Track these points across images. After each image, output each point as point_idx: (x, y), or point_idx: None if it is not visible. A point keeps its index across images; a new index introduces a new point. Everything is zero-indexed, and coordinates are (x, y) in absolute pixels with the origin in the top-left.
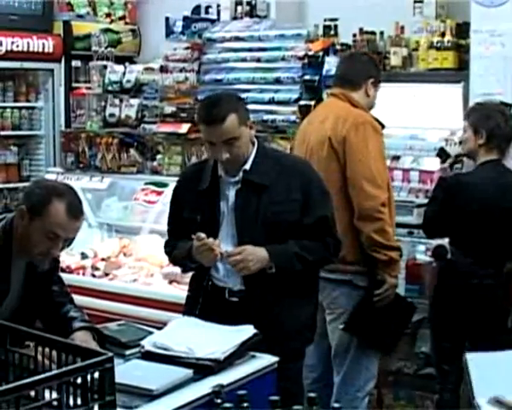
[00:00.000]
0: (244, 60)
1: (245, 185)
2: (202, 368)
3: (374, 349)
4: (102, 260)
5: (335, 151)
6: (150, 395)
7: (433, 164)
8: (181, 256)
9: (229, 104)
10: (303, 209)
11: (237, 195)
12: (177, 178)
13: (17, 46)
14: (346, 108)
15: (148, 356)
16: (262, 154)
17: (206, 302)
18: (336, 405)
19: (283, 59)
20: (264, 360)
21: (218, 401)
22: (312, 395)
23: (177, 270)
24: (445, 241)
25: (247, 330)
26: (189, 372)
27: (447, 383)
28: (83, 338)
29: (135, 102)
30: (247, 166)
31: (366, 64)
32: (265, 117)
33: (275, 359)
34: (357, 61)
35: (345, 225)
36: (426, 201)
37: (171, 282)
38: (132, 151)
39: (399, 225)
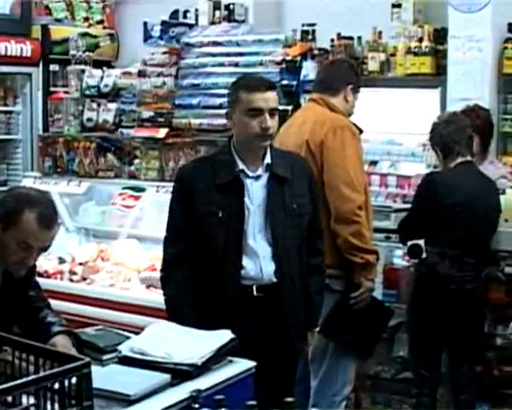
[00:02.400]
0: (222, 65)
1: (271, 179)
2: (180, 373)
3: (350, 354)
4: (80, 264)
5: (313, 155)
6: (128, 401)
7: (411, 169)
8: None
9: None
10: (310, 205)
11: (267, 188)
12: (180, 175)
13: None
14: (324, 112)
15: (126, 361)
16: (273, 149)
17: (235, 305)
18: (314, 409)
19: (261, 64)
20: (242, 365)
21: (196, 405)
22: (290, 399)
23: (155, 275)
24: (421, 241)
25: (224, 335)
26: (166, 377)
27: (425, 387)
28: (62, 343)
29: (112, 106)
30: (269, 160)
31: (346, 70)
32: None
33: (252, 363)
34: (337, 67)
35: (322, 229)
36: (403, 206)
37: (148, 287)
38: (110, 156)
39: (377, 230)
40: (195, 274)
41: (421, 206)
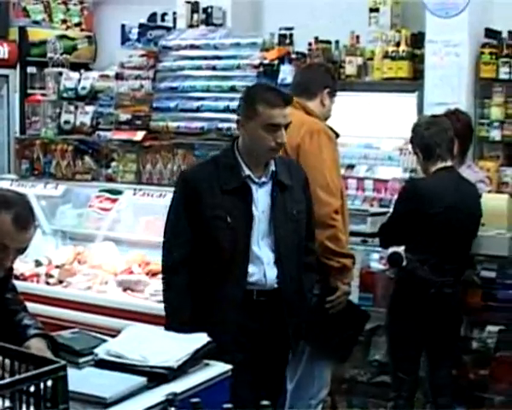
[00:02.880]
0: (199, 68)
1: (275, 186)
2: (156, 376)
3: (327, 358)
4: (57, 267)
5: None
6: (104, 404)
7: (388, 173)
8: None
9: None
10: (306, 211)
11: (272, 195)
12: (184, 178)
13: None
14: (300, 115)
15: (102, 364)
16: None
17: (238, 309)
18: None
19: (239, 67)
20: (218, 368)
21: (172, 409)
22: (266, 402)
23: (132, 277)
24: (401, 248)
25: (200, 339)
26: (142, 380)
27: (403, 390)
28: (37, 346)
29: (90, 109)
30: (273, 167)
31: (322, 74)
32: (220, 125)
33: (228, 367)
34: (313, 71)
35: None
36: (380, 209)
37: (125, 290)
38: (87, 158)
39: (353, 234)
40: (197, 277)
41: (403, 213)
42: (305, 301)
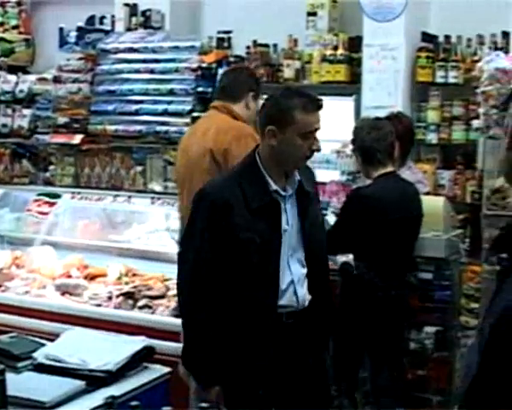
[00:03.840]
0: (138, 71)
1: (301, 196)
2: (95, 380)
3: None
4: None
5: (217, 163)
6: (43, 408)
7: (326, 176)
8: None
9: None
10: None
11: (300, 206)
12: (208, 194)
13: None
14: (226, 120)
15: (41, 368)
16: None
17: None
18: None
19: (177, 71)
20: (157, 371)
21: None
22: (204, 405)
23: (70, 281)
24: (350, 257)
25: (138, 342)
26: (81, 384)
27: (343, 391)
28: None
29: (28, 112)
30: (298, 176)
31: (247, 78)
32: (158, 128)
33: (167, 369)
34: (238, 74)
35: None
36: None
37: (63, 293)
38: (25, 162)
39: None
40: (222, 299)
41: (348, 220)
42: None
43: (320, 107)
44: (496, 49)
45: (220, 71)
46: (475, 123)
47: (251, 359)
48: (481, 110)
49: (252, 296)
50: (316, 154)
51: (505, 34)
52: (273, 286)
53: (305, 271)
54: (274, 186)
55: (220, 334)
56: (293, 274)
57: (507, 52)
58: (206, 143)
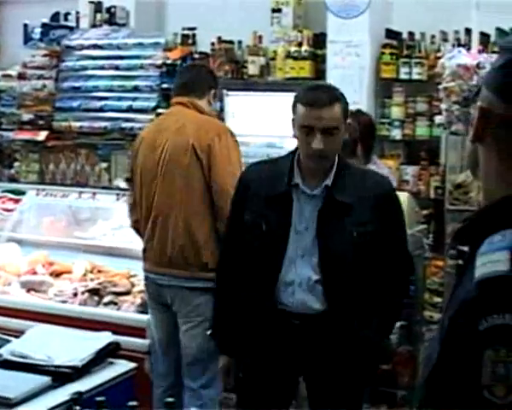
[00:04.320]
0: (102, 68)
1: (328, 203)
2: (61, 375)
3: None
4: None
5: (199, 159)
6: (9, 404)
7: None
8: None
9: (337, 92)
10: (381, 232)
11: (320, 214)
12: (241, 175)
13: None
14: (199, 116)
15: (6, 365)
16: (344, 168)
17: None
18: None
19: (141, 67)
20: (123, 367)
21: (77, 407)
22: (170, 399)
23: (35, 278)
24: None
25: (104, 337)
26: (47, 380)
27: None
28: None
29: None
30: (329, 182)
31: (208, 75)
32: (123, 125)
33: (132, 365)
34: (199, 71)
35: (207, 233)
36: None
37: (28, 290)
38: None
39: None
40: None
41: None
42: (353, 341)
43: (324, 103)
44: (459, 45)
45: None
46: (438, 119)
47: (254, 341)
48: (443, 106)
49: (252, 282)
50: (280, 150)
51: (468, 31)
52: (271, 279)
53: (316, 277)
54: (296, 180)
55: (236, 308)
56: (298, 276)
57: (469, 49)
58: (185, 139)
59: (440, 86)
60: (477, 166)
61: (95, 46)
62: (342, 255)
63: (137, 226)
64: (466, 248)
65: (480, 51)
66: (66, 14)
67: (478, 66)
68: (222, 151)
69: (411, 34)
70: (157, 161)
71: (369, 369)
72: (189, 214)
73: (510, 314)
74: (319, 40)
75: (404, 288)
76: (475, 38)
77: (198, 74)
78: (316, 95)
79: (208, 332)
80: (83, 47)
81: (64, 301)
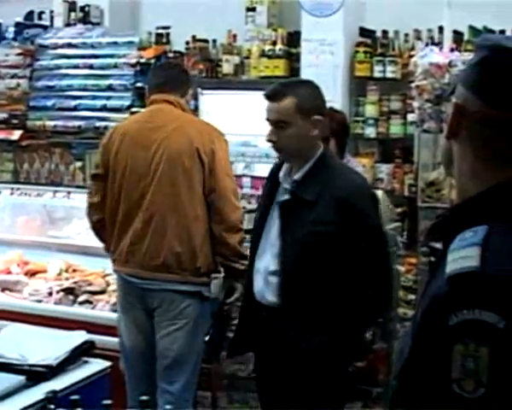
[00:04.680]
0: (76, 66)
1: (292, 198)
2: (35, 374)
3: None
4: None
5: (202, 163)
6: None
7: (265, 170)
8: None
9: (295, 88)
10: (345, 238)
11: (283, 208)
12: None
13: None
14: (194, 118)
15: None
16: (321, 165)
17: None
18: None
19: (116, 66)
20: (97, 366)
21: (52, 406)
22: (145, 397)
23: (10, 277)
24: None
25: (79, 336)
26: (21, 379)
27: None
28: None
29: None
30: (298, 176)
31: (185, 74)
32: (98, 124)
33: (107, 364)
34: (178, 70)
35: (203, 237)
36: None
37: (3, 290)
38: None
39: None
40: None
41: None
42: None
43: (270, 97)
44: (433, 44)
45: None
46: (410, 117)
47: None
48: (416, 104)
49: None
50: (255, 149)
51: (441, 29)
52: (250, 267)
53: (273, 268)
54: (281, 175)
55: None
56: (261, 265)
57: (442, 47)
58: (188, 142)
59: (413, 84)
60: (451, 164)
61: (69, 45)
62: (299, 251)
63: (99, 226)
64: (438, 245)
65: (452, 49)
66: (41, 13)
67: (450, 64)
68: (223, 156)
69: (385, 32)
70: (150, 160)
71: (331, 372)
72: (190, 218)
73: (480, 309)
74: (293, 39)
75: (372, 304)
76: (449, 36)
77: (177, 73)
78: (272, 88)
79: (206, 338)
80: (57, 46)
81: (39, 301)
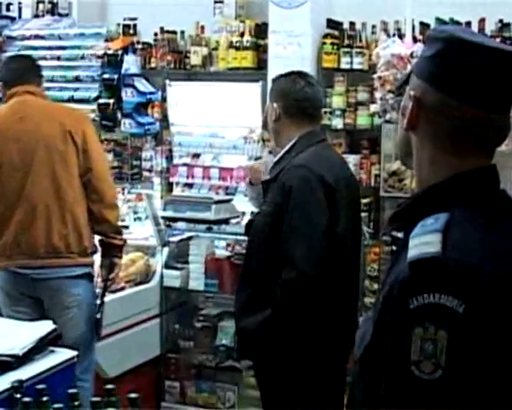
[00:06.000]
0: (44, 58)
1: (267, 180)
2: (1, 364)
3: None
4: None
5: (76, 145)
6: None
7: (233, 161)
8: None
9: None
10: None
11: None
12: None
13: None
14: (60, 104)
15: None
16: (291, 150)
17: None
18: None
19: (83, 57)
20: (64, 355)
21: (18, 396)
22: (73, 390)
23: None
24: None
25: (45, 326)
26: None
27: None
28: None
29: None
30: (270, 164)
31: (35, 64)
32: None
33: (74, 353)
34: (30, 61)
35: (84, 217)
36: (225, 197)
37: None
38: None
39: (199, 221)
40: None
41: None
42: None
43: None
44: (400, 36)
45: (126, 58)
46: (373, 107)
47: None
48: (378, 95)
49: None
50: (222, 140)
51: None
52: None
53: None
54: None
55: None
56: None
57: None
58: (60, 126)
59: (375, 75)
60: (409, 155)
61: (36, 36)
62: (254, 230)
63: None
64: (400, 235)
65: (415, 41)
66: (9, 5)
67: (412, 55)
68: (94, 137)
69: (352, 24)
70: (24, 151)
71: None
72: (72, 200)
73: (440, 294)
74: (261, 30)
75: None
76: (412, 27)
77: (31, 64)
78: None
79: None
80: (24, 37)
81: None
